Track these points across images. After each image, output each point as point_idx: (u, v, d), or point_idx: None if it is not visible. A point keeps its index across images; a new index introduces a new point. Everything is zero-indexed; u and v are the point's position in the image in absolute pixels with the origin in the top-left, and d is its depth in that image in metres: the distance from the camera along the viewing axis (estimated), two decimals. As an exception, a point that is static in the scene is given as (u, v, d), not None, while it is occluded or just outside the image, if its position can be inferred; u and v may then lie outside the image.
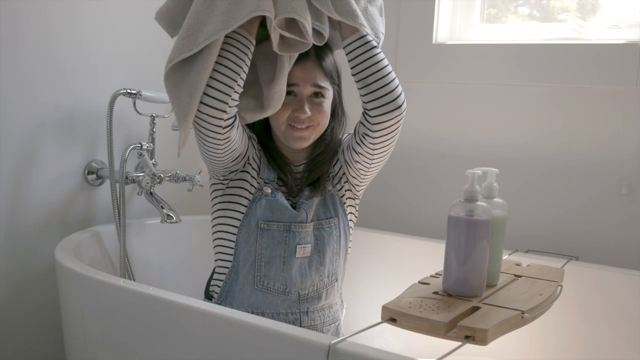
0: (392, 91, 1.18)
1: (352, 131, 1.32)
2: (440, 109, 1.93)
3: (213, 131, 1.15)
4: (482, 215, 1.04)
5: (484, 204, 1.05)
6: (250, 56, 1.17)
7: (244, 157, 1.28)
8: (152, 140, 1.73)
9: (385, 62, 1.20)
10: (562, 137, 1.74)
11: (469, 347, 0.89)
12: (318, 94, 1.26)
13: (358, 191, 1.38)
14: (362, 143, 1.25)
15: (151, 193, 1.70)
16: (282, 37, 1.17)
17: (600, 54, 1.66)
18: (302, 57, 1.23)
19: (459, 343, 0.88)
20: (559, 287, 1.15)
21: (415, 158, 1.97)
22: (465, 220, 1.03)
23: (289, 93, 1.25)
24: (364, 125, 1.23)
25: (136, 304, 1.19)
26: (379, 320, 0.98)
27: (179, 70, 1.16)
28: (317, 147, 1.33)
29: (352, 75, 1.21)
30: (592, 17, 1.83)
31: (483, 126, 1.86)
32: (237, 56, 1.15)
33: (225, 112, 1.14)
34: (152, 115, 1.71)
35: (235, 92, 1.15)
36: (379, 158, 1.28)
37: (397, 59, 1.94)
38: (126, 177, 1.65)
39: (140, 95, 1.63)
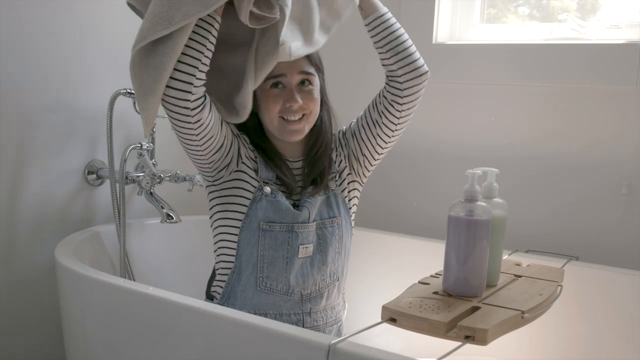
0: (418, 57, 1.29)
1: (362, 114, 1.36)
2: (440, 108, 1.93)
3: (182, 114, 1.13)
4: (482, 215, 1.04)
5: (484, 204, 1.05)
6: (215, 33, 1.15)
7: (229, 151, 1.26)
8: (152, 140, 1.73)
9: (405, 32, 1.29)
10: (562, 137, 1.74)
11: (469, 347, 0.89)
12: (305, 82, 1.27)
13: (366, 177, 1.40)
14: (388, 112, 1.31)
15: (151, 193, 1.70)
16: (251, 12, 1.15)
17: (600, 54, 1.66)
18: None
19: (459, 343, 0.88)
20: (559, 287, 1.15)
21: (416, 158, 1.97)
22: (465, 220, 1.03)
23: (276, 85, 1.25)
24: (393, 93, 1.29)
25: (136, 304, 1.19)
26: (379, 320, 0.98)
27: (143, 50, 1.12)
28: (310, 138, 1.33)
29: (379, 47, 1.28)
30: (592, 17, 1.83)
31: (483, 126, 1.86)
32: (200, 35, 1.12)
33: (190, 92, 1.12)
34: (152, 115, 1.71)
35: (200, 71, 1.13)
36: (402, 126, 1.34)
37: (397, 59, 1.94)
38: (126, 177, 1.65)
39: (140, 95, 1.63)
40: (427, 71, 1.29)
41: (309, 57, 1.27)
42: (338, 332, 1.38)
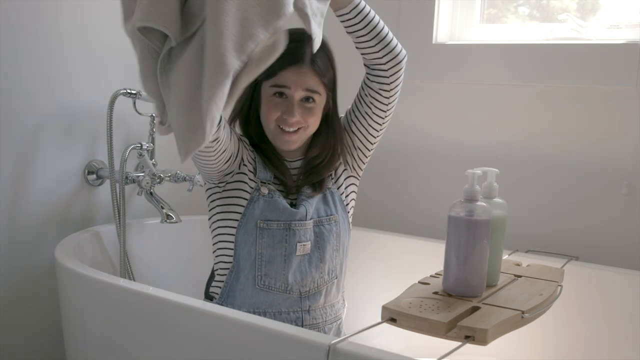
0: (397, 43, 1.27)
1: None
2: (440, 108, 1.93)
3: None
4: (482, 215, 1.04)
5: (484, 204, 1.05)
6: None
7: (236, 157, 1.27)
8: (152, 140, 1.73)
9: (380, 20, 1.26)
10: (562, 137, 1.74)
11: (469, 347, 0.89)
12: (309, 99, 1.26)
13: (361, 169, 1.40)
14: (376, 100, 1.30)
15: (151, 193, 1.70)
16: None
17: (600, 54, 1.66)
18: (298, 61, 1.23)
19: (459, 343, 0.88)
20: (559, 287, 1.15)
21: (415, 158, 1.97)
22: (465, 220, 1.03)
23: (280, 94, 1.25)
24: (379, 82, 1.29)
25: (136, 304, 1.19)
26: (379, 320, 0.98)
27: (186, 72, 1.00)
28: (311, 150, 1.33)
29: (360, 37, 1.24)
30: (592, 17, 1.83)
31: (483, 126, 1.86)
32: None
33: None
34: (152, 115, 1.71)
35: None
36: (390, 112, 1.33)
37: (397, 59, 1.94)
38: (126, 177, 1.65)
39: (140, 95, 1.63)
40: (406, 52, 1.29)
41: (319, 75, 1.26)
42: (338, 330, 1.38)
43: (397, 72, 1.28)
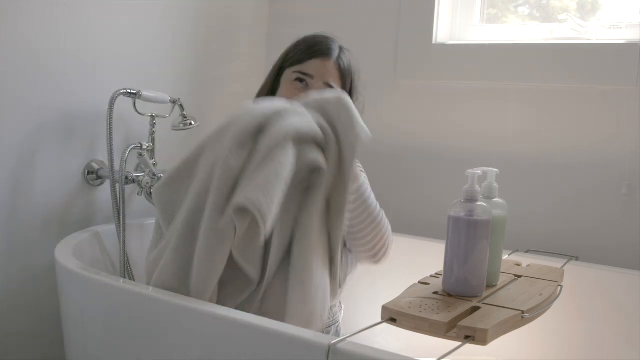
0: (380, 248, 1.27)
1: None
2: (440, 109, 1.93)
3: None
4: (482, 215, 1.04)
5: (484, 204, 1.05)
6: None
7: None
8: (152, 140, 1.73)
9: (377, 210, 1.24)
10: (563, 137, 1.74)
11: (469, 347, 0.89)
12: None
13: None
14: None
15: (151, 193, 1.70)
16: None
17: (600, 54, 1.66)
18: (326, 54, 1.27)
19: (459, 343, 0.88)
20: (559, 287, 1.15)
21: (415, 158, 1.97)
22: (465, 220, 1.03)
23: (301, 81, 1.28)
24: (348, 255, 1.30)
25: (136, 304, 1.19)
26: (379, 320, 0.98)
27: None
28: None
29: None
30: (592, 17, 1.83)
31: (483, 126, 1.86)
32: None
33: None
34: (152, 115, 1.71)
35: None
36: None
37: (397, 59, 1.94)
38: (126, 177, 1.65)
39: (140, 95, 1.63)
40: (382, 259, 1.28)
41: (341, 73, 1.28)
42: (336, 333, 1.38)
43: (365, 263, 1.29)
